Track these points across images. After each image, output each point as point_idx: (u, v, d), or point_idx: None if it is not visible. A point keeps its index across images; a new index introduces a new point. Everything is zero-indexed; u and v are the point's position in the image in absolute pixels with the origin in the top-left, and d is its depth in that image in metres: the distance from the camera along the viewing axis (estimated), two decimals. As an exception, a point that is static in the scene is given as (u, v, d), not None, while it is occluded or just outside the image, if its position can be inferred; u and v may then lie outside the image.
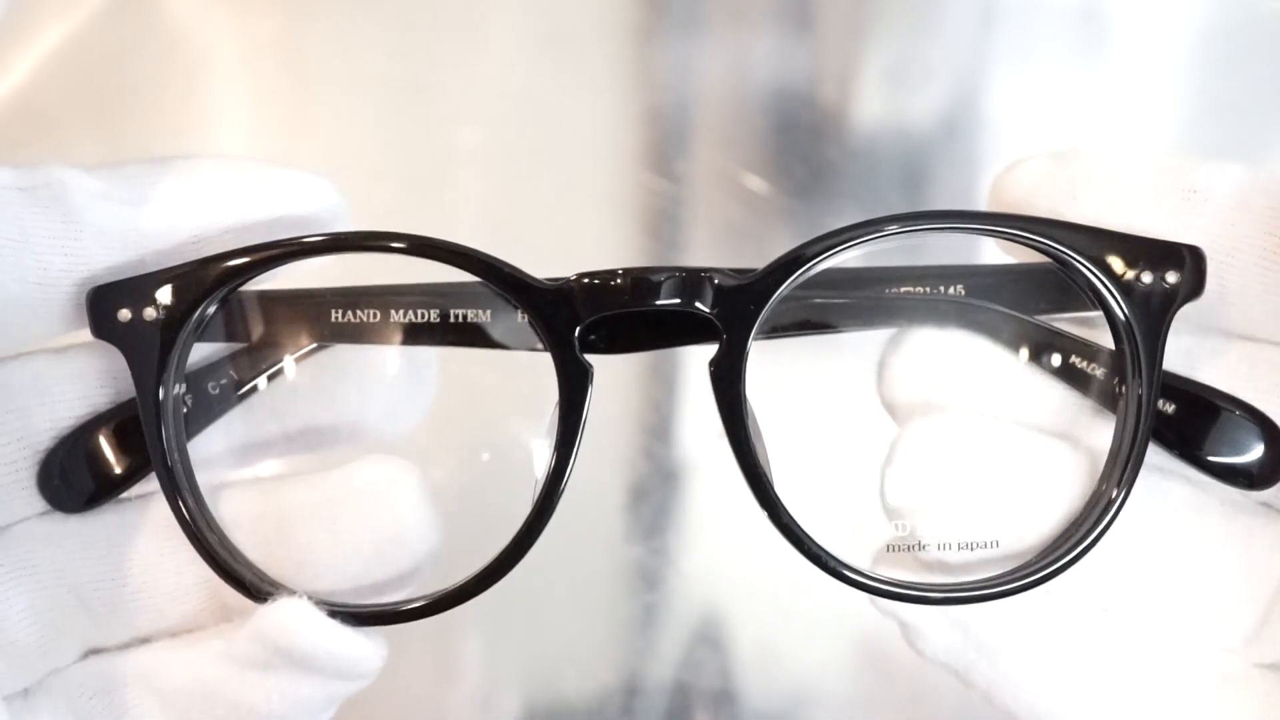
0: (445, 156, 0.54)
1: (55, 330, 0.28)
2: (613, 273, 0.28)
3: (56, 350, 0.28)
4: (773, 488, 0.28)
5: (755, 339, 0.28)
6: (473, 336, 0.30)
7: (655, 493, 0.50)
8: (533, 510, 0.28)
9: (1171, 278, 0.28)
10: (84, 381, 0.28)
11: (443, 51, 0.56)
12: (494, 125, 0.55)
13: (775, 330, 0.30)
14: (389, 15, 0.56)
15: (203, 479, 0.29)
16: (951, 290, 0.30)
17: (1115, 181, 0.29)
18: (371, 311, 0.30)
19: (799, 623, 0.49)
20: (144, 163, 0.28)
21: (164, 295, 0.27)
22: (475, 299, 0.30)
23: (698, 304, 0.28)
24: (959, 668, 0.30)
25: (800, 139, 0.55)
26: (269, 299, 0.30)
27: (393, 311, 0.30)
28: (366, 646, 0.29)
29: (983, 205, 0.31)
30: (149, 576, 0.29)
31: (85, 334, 0.28)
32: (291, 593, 0.28)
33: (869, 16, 0.58)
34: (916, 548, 0.29)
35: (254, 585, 0.28)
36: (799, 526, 0.28)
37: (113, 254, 0.27)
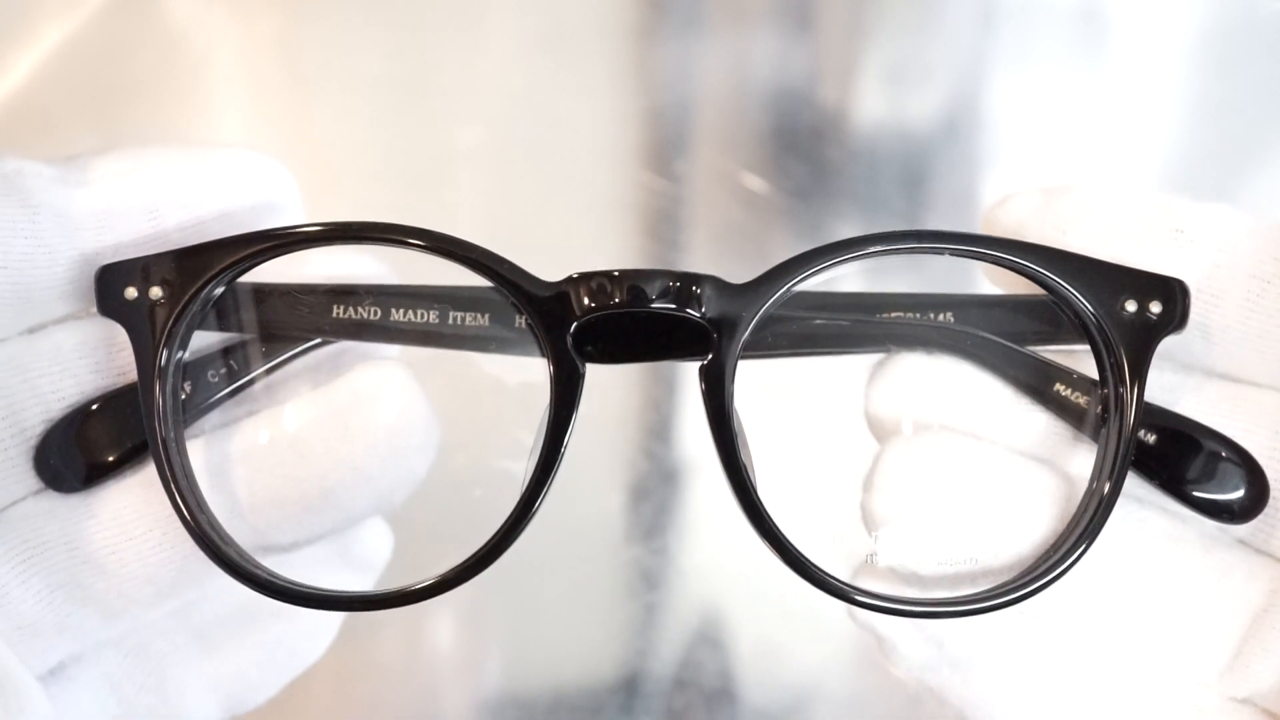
0: (445, 156, 0.54)
1: (25, 317, 0.28)
2: (609, 273, 0.28)
3: (29, 331, 0.29)
4: (756, 493, 0.29)
5: (747, 355, 0.28)
6: (471, 341, 0.30)
7: (655, 493, 0.50)
8: (518, 504, 0.28)
9: (1156, 308, 0.28)
10: (62, 356, 0.29)
11: (443, 51, 0.56)
12: (494, 125, 0.55)
13: (767, 350, 0.30)
14: (389, 15, 0.56)
15: (195, 453, 0.29)
16: (941, 318, 0.31)
17: (1104, 218, 0.29)
18: (373, 309, 0.30)
19: (799, 623, 0.48)
20: (96, 151, 0.29)
21: (170, 275, 0.28)
22: (475, 303, 0.30)
23: (690, 308, 0.28)
24: (934, 685, 0.30)
25: (800, 139, 0.55)
26: (271, 292, 0.30)
27: (393, 311, 0.30)
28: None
29: (980, 213, 0.31)
30: (165, 529, 0.29)
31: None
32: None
33: (869, 16, 0.58)
34: (894, 562, 0.30)
35: (238, 564, 0.28)
36: (781, 533, 0.29)
37: (71, 234, 0.28)
